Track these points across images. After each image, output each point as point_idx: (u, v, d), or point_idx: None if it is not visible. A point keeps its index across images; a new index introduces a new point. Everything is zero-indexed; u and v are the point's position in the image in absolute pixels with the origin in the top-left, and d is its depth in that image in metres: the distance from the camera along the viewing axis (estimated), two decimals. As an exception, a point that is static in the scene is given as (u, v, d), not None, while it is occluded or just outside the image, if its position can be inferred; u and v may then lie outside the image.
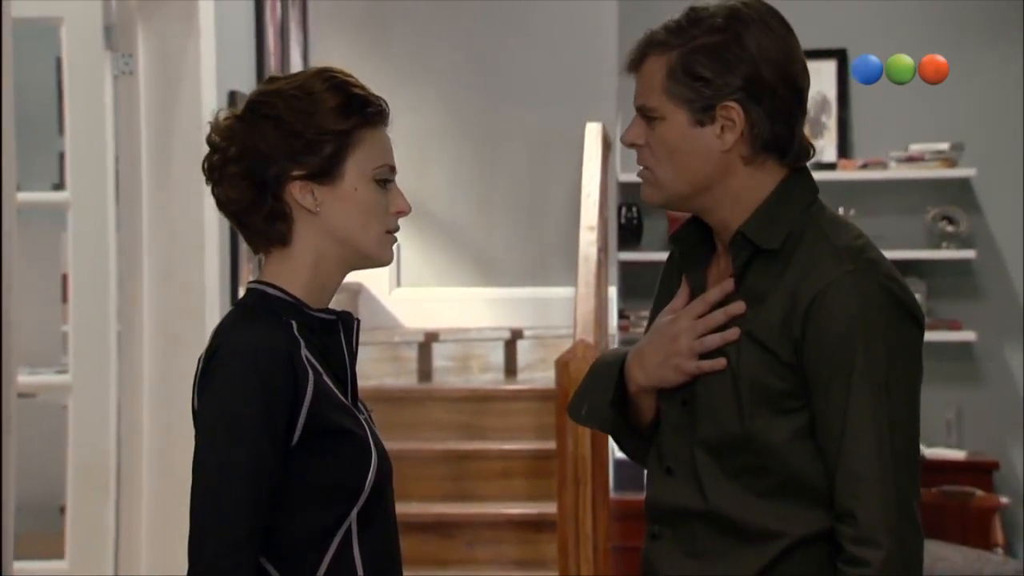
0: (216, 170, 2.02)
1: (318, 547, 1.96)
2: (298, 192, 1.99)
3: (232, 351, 1.94)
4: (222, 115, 2.03)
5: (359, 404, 2.05)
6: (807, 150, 2.06)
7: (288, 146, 1.98)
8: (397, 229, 2.05)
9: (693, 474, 2.04)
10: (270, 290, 2.01)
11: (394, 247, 2.06)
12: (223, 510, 1.90)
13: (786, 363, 1.99)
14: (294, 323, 1.98)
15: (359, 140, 2.00)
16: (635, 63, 2.05)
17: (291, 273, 2.02)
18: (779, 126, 2.01)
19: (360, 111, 2.00)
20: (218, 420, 1.93)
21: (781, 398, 2.00)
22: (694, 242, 2.11)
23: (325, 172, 1.99)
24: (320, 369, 1.98)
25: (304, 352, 1.96)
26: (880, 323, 1.97)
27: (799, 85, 2.03)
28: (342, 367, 2.03)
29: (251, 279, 2.07)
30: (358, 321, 2.07)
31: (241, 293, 2.18)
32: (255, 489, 1.91)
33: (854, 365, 1.96)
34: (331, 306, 2.08)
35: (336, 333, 2.03)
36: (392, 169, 2.04)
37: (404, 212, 2.04)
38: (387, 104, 2.04)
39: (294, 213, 2.00)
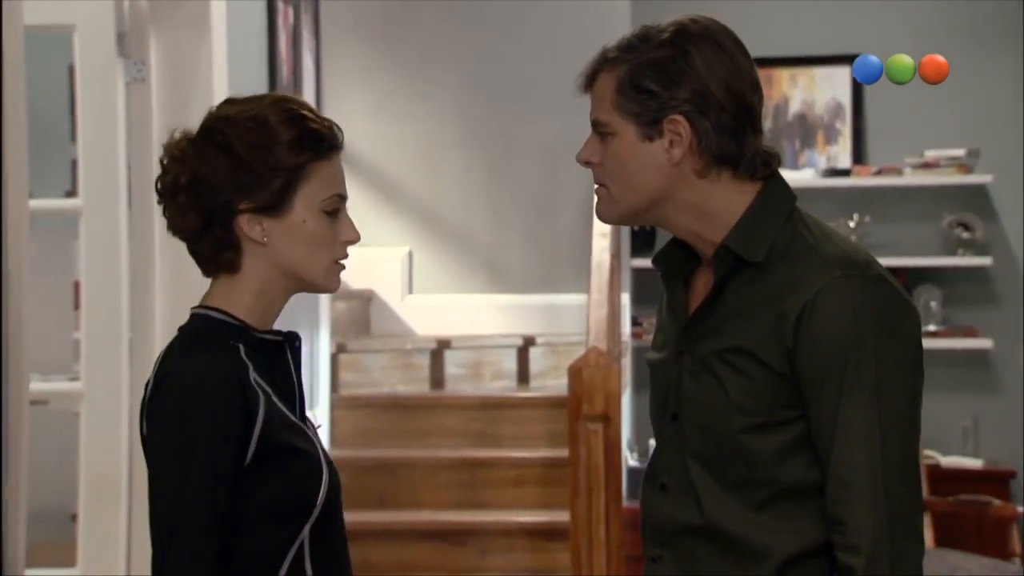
0: (167, 194, 2.02)
1: (272, 565, 1.98)
2: (246, 224, 2.00)
3: (181, 378, 1.95)
4: (176, 135, 2.02)
5: (307, 420, 2.07)
6: (767, 161, 2.05)
7: (238, 179, 1.98)
8: (346, 257, 2.04)
9: (689, 487, 2.03)
10: (215, 314, 2.02)
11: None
12: (183, 539, 1.92)
13: (779, 373, 1.98)
14: (241, 346, 1.99)
15: (310, 173, 2.00)
16: (588, 81, 2.07)
17: (236, 297, 2.03)
18: (727, 140, 2.02)
19: (313, 146, 2.00)
20: (172, 449, 1.95)
21: (775, 409, 1.98)
22: (679, 260, 2.11)
23: (274, 206, 1.99)
24: (269, 390, 1.99)
25: (253, 375, 1.98)
26: (871, 328, 1.96)
27: (748, 101, 2.03)
28: (290, 386, 2.04)
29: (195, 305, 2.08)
30: (299, 340, 2.08)
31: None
32: (212, 515, 1.92)
33: (845, 371, 1.95)
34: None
35: (283, 353, 2.04)
36: (342, 198, 2.04)
37: (353, 241, 2.04)
38: (341, 131, 2.04)
39: (242, 243, 2.01)
